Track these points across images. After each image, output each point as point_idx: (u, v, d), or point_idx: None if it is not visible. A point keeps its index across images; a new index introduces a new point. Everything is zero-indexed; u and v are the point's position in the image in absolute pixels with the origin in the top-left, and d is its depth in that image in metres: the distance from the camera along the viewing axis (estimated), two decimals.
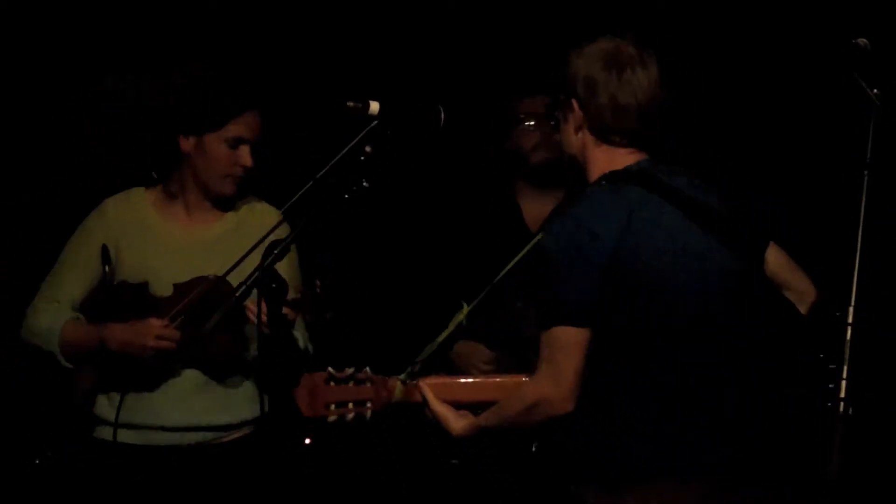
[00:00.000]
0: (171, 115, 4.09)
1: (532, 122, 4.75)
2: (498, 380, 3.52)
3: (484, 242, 4.75)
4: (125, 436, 4.00)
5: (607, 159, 3.35)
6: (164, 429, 3.99)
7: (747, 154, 5.28)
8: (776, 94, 5.24)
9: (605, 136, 3.35)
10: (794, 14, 5.14)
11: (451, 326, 3.57)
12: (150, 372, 3.97)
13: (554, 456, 3.45)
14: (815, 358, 3.37)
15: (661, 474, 3.22)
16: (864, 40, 3.34)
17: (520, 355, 4.63)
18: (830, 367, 3.20)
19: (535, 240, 3.49)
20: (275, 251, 3.41)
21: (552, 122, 4.63)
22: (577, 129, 3.37)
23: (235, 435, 4.05)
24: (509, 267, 3.59)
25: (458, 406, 3.47)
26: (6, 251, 5.30)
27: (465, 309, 3.57)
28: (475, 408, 3.47)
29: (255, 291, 3.46)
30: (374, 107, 3.47)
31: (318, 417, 3.43)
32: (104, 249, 3.98)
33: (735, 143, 5.30)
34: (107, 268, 3.97)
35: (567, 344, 3.21)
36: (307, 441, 5.15)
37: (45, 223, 4.96)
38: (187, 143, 4.04)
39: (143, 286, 3.99)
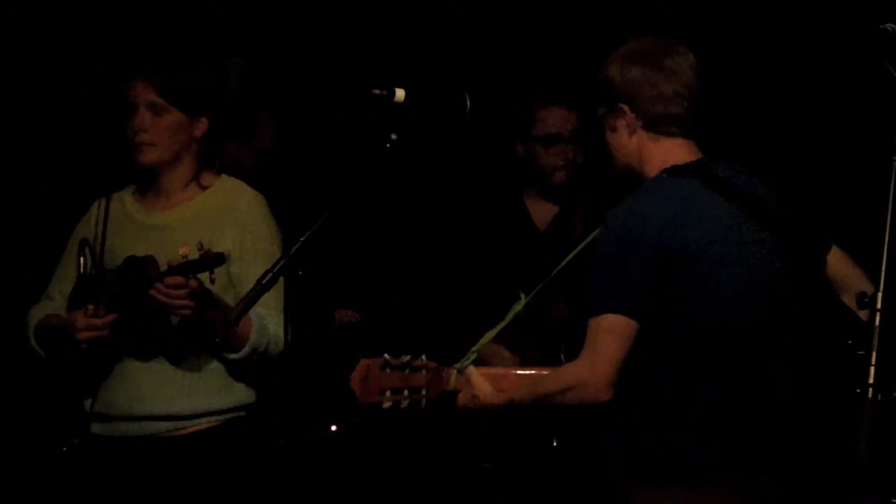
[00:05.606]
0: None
1: (555, 145, 4.69)
2: (549, 371, 3.44)
3: (491, 239, 4.73)
4: (99, 428, 4.01)
5: (664, 155, 3.34)
6: (126, 418, 3.97)
7: (775, 142, 5.27)
8: (804, 81, 5.23)
9: (661, 127, 3.34)
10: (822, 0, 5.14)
11: (509, 317, 3.52)
12: (98, 361, 3.97)
13: (599, 451, 3.41)
14: (844, 344, 3.36)
15: (710, 473, 3.22)
16: (893, 25, 3.31)
17: (542, 345, 4.61)
18: (859, 353, 3.18)
19: (593, 234, 3.47)
20: (301, 239, 3.40)
21: (572, 145, 4.63)
22: (631, 133, 3.36)
23: (201, 425, 4.00)
24: (568, 259, 3.52)
25: None
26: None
27: (523, 299, 3.52)
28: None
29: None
30: (400, 94, 3.46)
31: (372, 403, 3.36)
32: (82, 242, 4.03)
33: (763, 130, 5.29)
34: (81, 259, 4.00)
35: (610, 331, 3.20)
36: (333, 428, 5.14)
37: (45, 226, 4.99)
38: None
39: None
